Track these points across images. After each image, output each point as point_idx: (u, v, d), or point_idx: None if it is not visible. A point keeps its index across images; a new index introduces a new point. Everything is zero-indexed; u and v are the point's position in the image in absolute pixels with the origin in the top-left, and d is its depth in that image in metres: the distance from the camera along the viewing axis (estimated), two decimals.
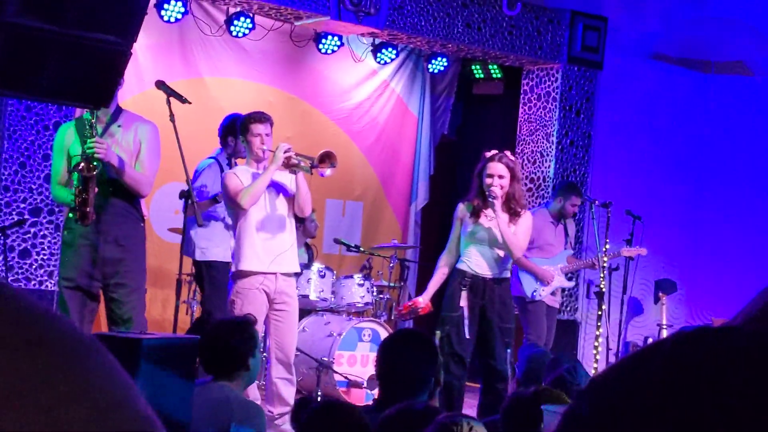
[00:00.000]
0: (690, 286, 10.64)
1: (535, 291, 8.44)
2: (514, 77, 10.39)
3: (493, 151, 6.84)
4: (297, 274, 7.07)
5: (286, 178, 6.59)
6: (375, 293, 8.68)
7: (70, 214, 5.98)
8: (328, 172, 6.48)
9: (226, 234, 6.92)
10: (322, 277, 8.32)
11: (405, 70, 10.51)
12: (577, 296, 9.84)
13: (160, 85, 6.22)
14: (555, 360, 5.59)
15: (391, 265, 9.04)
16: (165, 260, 8.71)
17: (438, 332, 6.63)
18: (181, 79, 8.83)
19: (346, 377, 7.89)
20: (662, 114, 10.53)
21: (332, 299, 8.39)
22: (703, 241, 10.72)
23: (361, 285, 8.51)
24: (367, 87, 10.32)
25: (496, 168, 6.71)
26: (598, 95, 10.18)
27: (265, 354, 7.39)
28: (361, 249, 9.08)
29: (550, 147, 9.96)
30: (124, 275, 6.05)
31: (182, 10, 8.64)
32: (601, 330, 8.22)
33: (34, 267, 7.80)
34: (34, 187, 7.76)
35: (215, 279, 7.34)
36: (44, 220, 7.82)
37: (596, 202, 8.52)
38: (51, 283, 7.87)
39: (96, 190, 5.84)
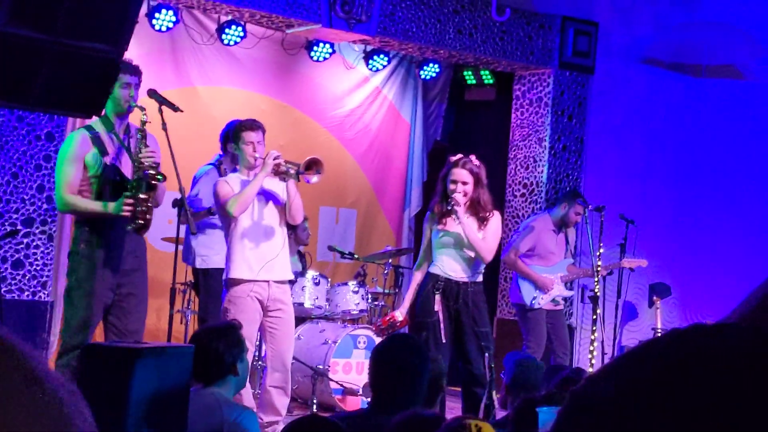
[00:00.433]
0: (684, 290, 10.64)
1: (534, 299, 8.45)
2: (506, 83, 10.40)
3: (458, 156, 6.82)
4: (291, 282, 7.06)
5: (277, 186, 6.59)
6: (370, 300, 8.68)
7: (78, 230, 5.95)
8: (314, 179, 6.47)
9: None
10: (317, 284, 8.32)
11: (397, 76, 10.52)
12: (572, 301, 9.83)
13: (152, 93, 6.22)
14: (555, 367, 5.60)
15: (386, 271, 9.03)
16: (159, 269, 8.68)
17: (409, 336, 6.59)
18: (173, 88, 8.83)
19: (341, 385, 7.88)
20: (654, 118, 10.54)
21: (327, 307, 8.38)
22: (697, 245, 10.73)
23: (356, 292, 8.51)
24: (359, 94, 10.32)
25: (460, 174, 6.67)
26: (590, 100, 10.19)
27: (260, 362, 7.38)
28: (356, 256, 9.07)
29: (543, 152, 9.97)
30: (136, 285, 6.08)
31: (173, 19, 8.64)
32: (596, 334, 8.23)
33: (27, 278, 7.78)
34: (26, 197, 7.75)
35: (211, 287, 7.33)
36: (37, 231, 7.81)
37: (590, 206, 8.53)
38: (44, 294, 7.86)
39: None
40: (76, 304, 5.93)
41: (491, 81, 10.58)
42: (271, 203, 6.58)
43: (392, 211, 10.65)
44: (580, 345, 9.82)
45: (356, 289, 8.52)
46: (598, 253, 8.24)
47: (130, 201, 5.85)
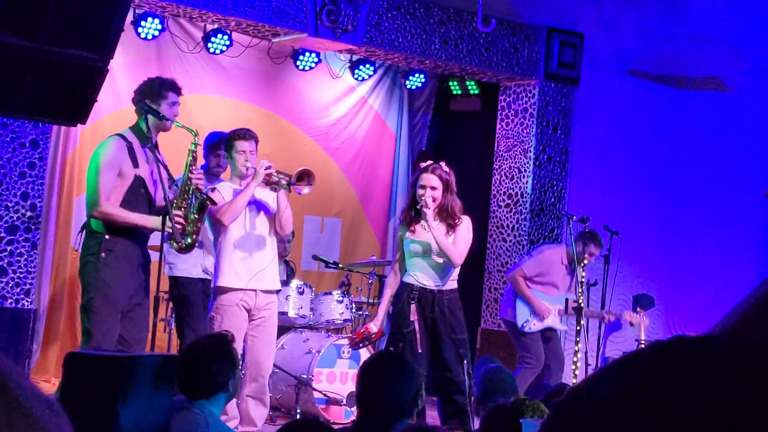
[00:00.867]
0: (668, 302, 10.67)
1: (526, 322, 8.47)
2: (491, 93, 10.42)
3: (428, 162, 6.83)
4: (278, 291, 7.06)
5: (268, 196, 6.60)
6: (354, 310, 8.66)
7: (97, 238, 5.92)
8: (305, 190, 6.50)
9: (197, 251, 6.88)
10: (301, 293, 8.30)
11: (383, 86, 10.53)
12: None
13: (138, 102, 6.21)
14: (538, 380, 5.59)
15: (370, 281, 9.02)
16: None
17: (391, 349, 6.57)
18: None
19: (325, 394, 7.86)
20: (639, 129, 10.58)
21: (311, 316, 8.37)
22: (681, 256, 10.77)
23: (340, 301, 8.49)
24: (345, 103, 10.33)
25: (429, 179, 6.66)
26: (574, 111, 10.22)
27: (242, 372, 7.36)
28: (340, 265, 9.06)
29: (528, 163, 9.99)
30: (144, 297, 6.09)
31: (159, 27, 8.63)
32: (579, 345, 8.23)
33: (10, 285, 7.74)
34: (10, 204, 7.72)
35: (180, 294, 7.35)
36: (21, 238, 7.78)
37: (574, 217, 8.54)
38: (27, 301, 7.82)
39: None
40: (99, 313, 5.88)
41: (476, 91, 10.60)
42: (261, 213, 6.60)
43: (377, 221, 10.65)
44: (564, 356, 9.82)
45: (340, 298, 8.51)
46: (582, 265, 8.26)
47: (181, 216, 5.87)
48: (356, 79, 10.11)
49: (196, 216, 6.02)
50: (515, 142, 10.11)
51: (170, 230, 5.89)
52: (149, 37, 8.66)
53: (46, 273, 8.55)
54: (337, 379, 8.08)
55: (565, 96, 10.13)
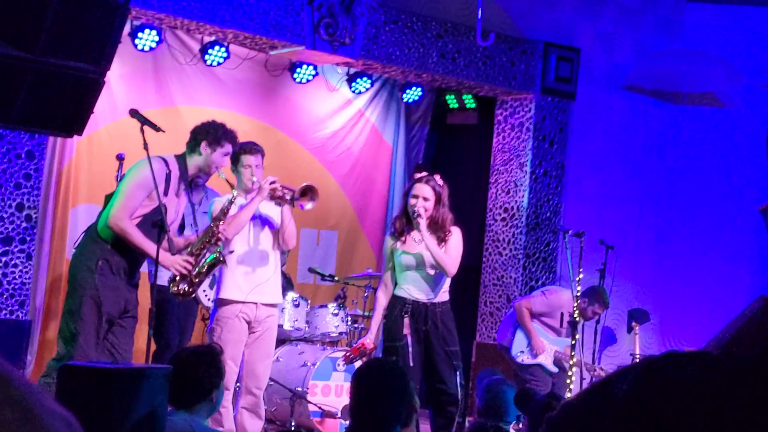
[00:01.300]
0: (663, 316, 10.67)
1: (521, 353, 8.50)
2: (488, 107, 10.44)
3: (423, 173, 6.84)
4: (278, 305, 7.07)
5: (272, 211, 6.63)
6: (349, 323, 8.65)
7: (98, 245, 5.92)
8: (308, 206, 6.54)
9: None
10: (297, 306, 8.29)
11: (380, 99, 10.54)
12: None
13: (134, 113, 6.20)
14: (527, 390, 5.58)
15: (366, 294, 9.02)
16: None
17: (390, 360, 6.55)
18: (155, 108, 8.82)
19: (320, 407, 7.85)
20: (634, 144, 10.60)
21: (306, 329, 8.36)
22: (676, 271, 10.77)
23: (336, 314, 8.49)
24: (342, 116, 10.33)
25: (422, 189, 6.67)
26: (571, 125, 10.24)
27: (238, 384, 7.35)
28: (336, 278, 9.06)
29: (524, 177, 10.00)
30: (135, 309, 6.10)
31: (156, 38, 8.64)
32: (574, 359, 8.22)
33: (4, 297, 7.73)
34: (5, 216, 7.71)
35: (156, 301, 7.36)
36: (16, 249, 7.77)
37: (569, 231, 8.54)
38: (22, 313, 7.81)
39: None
40: (86, 319, 5.85)
41: (473, 105, 10.62)
42: (266, 227, 6.64)
43: (374, 234, 10.64)
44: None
45: (336, 311, 8.50)
46: (577, 279, 8.26)
47: (191, 263, 5.90)
48: (353, 92, 10.12)
49: (204, 270, 6.04)
50: (511, 156, 10.12)
51: (177, 273, 5.92)
52: (146, 48, 8.67)
53: (41, 284, 8.53)
54: (332, 392, 8.06)
55: (561, 110, 10.15)
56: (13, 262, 7.76)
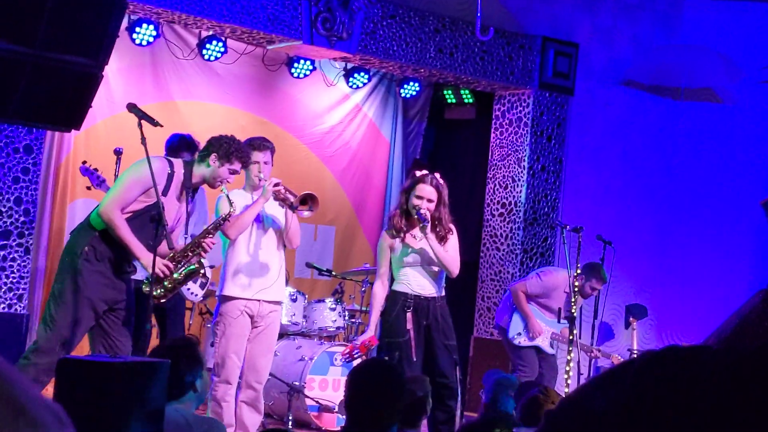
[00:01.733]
0: (661, 312, 10.68)
1: (518, 335, 8.52)
2: (485, 102, 10.44)
3: (424, 172, 6.82)
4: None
5: (277, 211, 6.66)
6: (347, 317, 8.66)
7: (86, 233, 5.92)
8: (306, 213, 6.60)
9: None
10: (294, 301, 8.30)
11: (377, 94, 10.53)
12: None
13: (132, 108, 6.19)
14: (526, 384, 5.61)
15: (363, 289, 9.02)
16: None
17: (386, 358, 6.54)
18: (152, 102, 8.81)
19: (317, 402, 7.86)
20: (633, 139, 10.60)
21: (304, 323, 8.37)
22: (674, 266, 10.77)
23: (333, 309, 8.49)
24: (339, 111, 10.33)
25: (428, 192, 6.65)
26: (569, 121, 10.24)
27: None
28: (333, 273, 9.06)
29: (522, 172, 10.00)
30: (128, 303, 6.08)
31: (154, 33, 8.63)
32: (572, 355, 8.23)
33: (2, 290, 7.73)
34: (3, 210, 7.71)
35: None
36: (14, 243, 7.76)
37: (567, 227, 8.55)
38: (20, 306, 7.81)
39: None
40: (67, 304, 5.85)
41: (471, 100, 10.61)
42: (270, 227, 6.66)
43: (371, 229, 10.64)
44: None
45: (333, 306, 8.51)
46: (575, 274, 8.26)
47: (170, 268, 5.89)
48: (351, 87, 10.12)
49: (181, 278, 6.04)
50: (509, 151, 10.11)
51: (157, 274, 5.89)
52: (144, 43, 8.66)
53: (39, 278, 8.53)
54: (329, 387, 8.07)
55: (559, 105, 10.15)
56: (11, 256, 7.76)
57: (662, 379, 0.73)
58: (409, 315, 6.63)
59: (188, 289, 7.59)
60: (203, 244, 6.09)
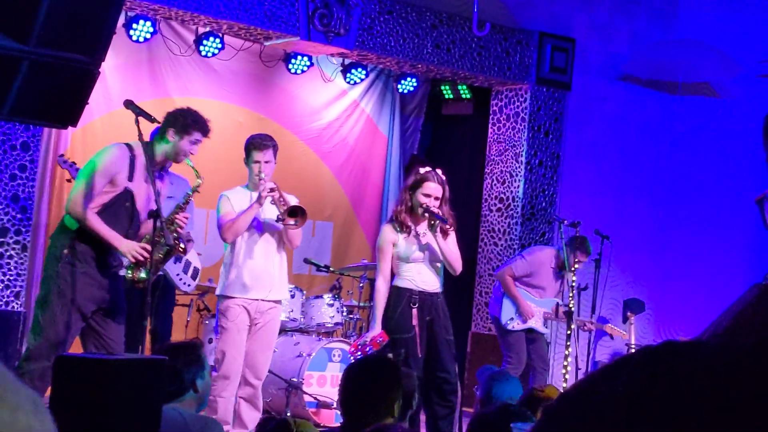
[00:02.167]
0: (658, 306, 10.69)
1: (510, 320, 8.52)
2: (483, 98, 10.44)
3: (428, 169, 6.81)
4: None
5: (277, 213, 6.66)
6: (345, 313, 8.66)
7: (64, 234, 5.87)
8: (292, 226, 6.58)
9: None
10: (292, 297, 8.29)
11: (375, 90, 10.53)
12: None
13: (129, 104, 6.18)
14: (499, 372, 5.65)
15: (361, 285, 9.02)
16: None
17: (390, 356, 6.52)
18: (149, 99, 8.80)
19: (315, 398, 7.86)
20: (630, 134, 10.60)
21: (302, 319, 8.37)
22: (671, 261, 10.78)
23: (331, 305, 8.49)
24: (336, 107, 10.33)
25: (434, 188, 6.66)
26: (566, 116, 10.24)
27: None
28: (331, 269, 9.06)
29: (519, 167, 10.00)
30: (119, 302, 6.04)
31: (151, 29, 8.62)
32: (570, 349, 8.24)
33: (0, 287, 7.73)
34: (0, 207, 7.70)
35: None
36: (11, 240, 7.76)
37: (565, 221, 8.56)
38: (17, 304, 7.81)
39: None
40: (53, 310, 5.80)
41: (469, 96, 10.61)
42: (271, 227, 6.68)
43: (369, 225, 10.64)
44: (554, 360, 9.84)
45: (331, 302, 8.51)
46: (573, 269, 8.27)
47: (147, 250, 5.83)
48: (348, 82, 10.11)
49: (160, 257, 5.98)
50: (507, 147, 10.11)
51: (133, 260, 5.84)
52: (141, 39, 8.66)
53: (36, 275, 8.52)
54: (327, 383, 8.07)
55: (556, 101, 10.15)
56: (8, 254, 7.75)
57: (660, 374, 0.73)
58: (414, 311, 6.64)
59: (180, 278, 7.57)
60: (176, 220, 6.03)
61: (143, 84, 9.09)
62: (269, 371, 7.53)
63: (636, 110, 10.61)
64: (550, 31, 9.99)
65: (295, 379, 7.83)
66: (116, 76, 8.87)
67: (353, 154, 10.48)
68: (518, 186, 9.99)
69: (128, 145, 5.99)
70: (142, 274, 5.91)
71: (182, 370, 4.21)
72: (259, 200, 6.47)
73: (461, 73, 9.76)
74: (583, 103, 10.31)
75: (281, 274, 6.76)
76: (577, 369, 8.69)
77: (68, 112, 4.73)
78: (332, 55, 9.52)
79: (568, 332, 8.20)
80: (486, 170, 10.26)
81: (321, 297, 8.59)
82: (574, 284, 8.23)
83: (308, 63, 9.62)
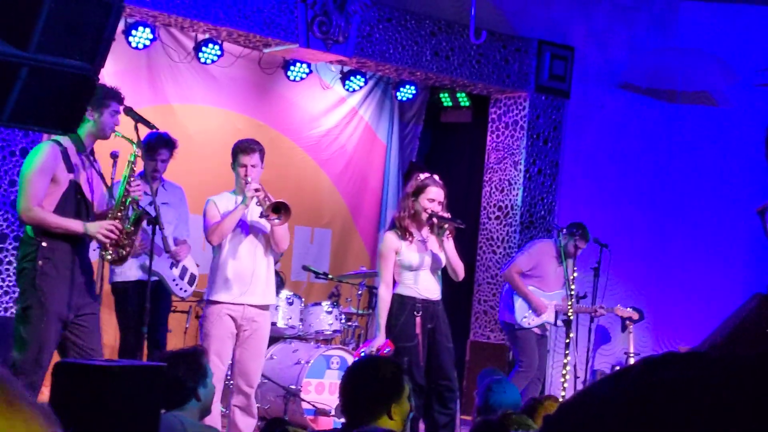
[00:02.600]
0: (657, 315, 10.68)
1: (525, 317, 8.52)
2: (482, 105, 10.44)
3: (428, 174, 6.81)
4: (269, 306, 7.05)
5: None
6: (343, 320, 8.66)
7: (32, 245, 5.79)
8: (276, 222, 6.51)
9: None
10: (290, 304, 8.29)
11: (373, 97, 10.53)
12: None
13: (128, 111, 6.19)
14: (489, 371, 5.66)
15: (360, 292, 9.02)
16: None
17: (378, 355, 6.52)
18: (148, 106, 8.80)
19: (313, 405, 7.85)
20: (629, 143, 10.60)
21: (300, 327, 8.36)
22: (670, 270, 10.78)
23: (330, 312, 8.49)
24: (335, 114, 10.33)
25: (438, 194, 6.67)
26: (565, 124, 10.24)
27: (230, 382, 7.35)
28: (330, 276, 9.06)
29: (518, 175, 10.00)
30: (92, 302, 5.98)
31: (150, 36, 8.63)
32: (569, 358, 8.24)
33: None
34: None
35: (117, 299, 7.30)
36: (10, 247, 7.75)
37: (564, 230, 8.57)
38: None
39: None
40: (36, 323, 5.72)
41: (467, 103, 10.62)
42: (258, 230, 6.64)
43: (367, 232, 10.64)
44: (552, 368, 9.83)
45: (330, 309, 8.51)
46: (572, 277, 8.28)
47: (117, 227, 5.80)
48: (347, 90, 10.12)
49: (131, 228, 5.92)
50: (506, 155, 10.12)
51: (105, 240, 5.79)
52: (140, 46, 8.66)
53: None
54: (325, 390, 8.07)
55: (555, 109, 10.15)
56: (7, 260, 7.74)
57: (660, 386, 0.73)
58: (417, 319, 6.63)
59: (176, 284, 7.55)
60: (129, 189, 5.98)
61: (142, 90, 9.08)
62: (267, 378, 7.53)
63: (635, 118, 10.62)
64: (549, 39, 10.01)
65: (293, 387, 7.82)
66: (115, 83, 8.78)
67: (352, 162, 10.48)
68: (517, 194, 9.99)
69: (55, 140, 5.89)
70: (121, 252, 5.86)
71: (184, 378, 4.19)
72: (245, 201, 6.44)
73: (460, 81, 9.77)
74: (581, 111, 10.32)
75: (268, 277, 6.70)
76: (576, 377, 8.69)
77: (67, 119, 4.73)
78: (331, 62, 9.53)
79: (567, 341, 8.20)
80: (485, 178, 10.27)
81: (319, 304, 8.59)
82: (575, 275, 8.24)
83: (307, 70, 9.63)
